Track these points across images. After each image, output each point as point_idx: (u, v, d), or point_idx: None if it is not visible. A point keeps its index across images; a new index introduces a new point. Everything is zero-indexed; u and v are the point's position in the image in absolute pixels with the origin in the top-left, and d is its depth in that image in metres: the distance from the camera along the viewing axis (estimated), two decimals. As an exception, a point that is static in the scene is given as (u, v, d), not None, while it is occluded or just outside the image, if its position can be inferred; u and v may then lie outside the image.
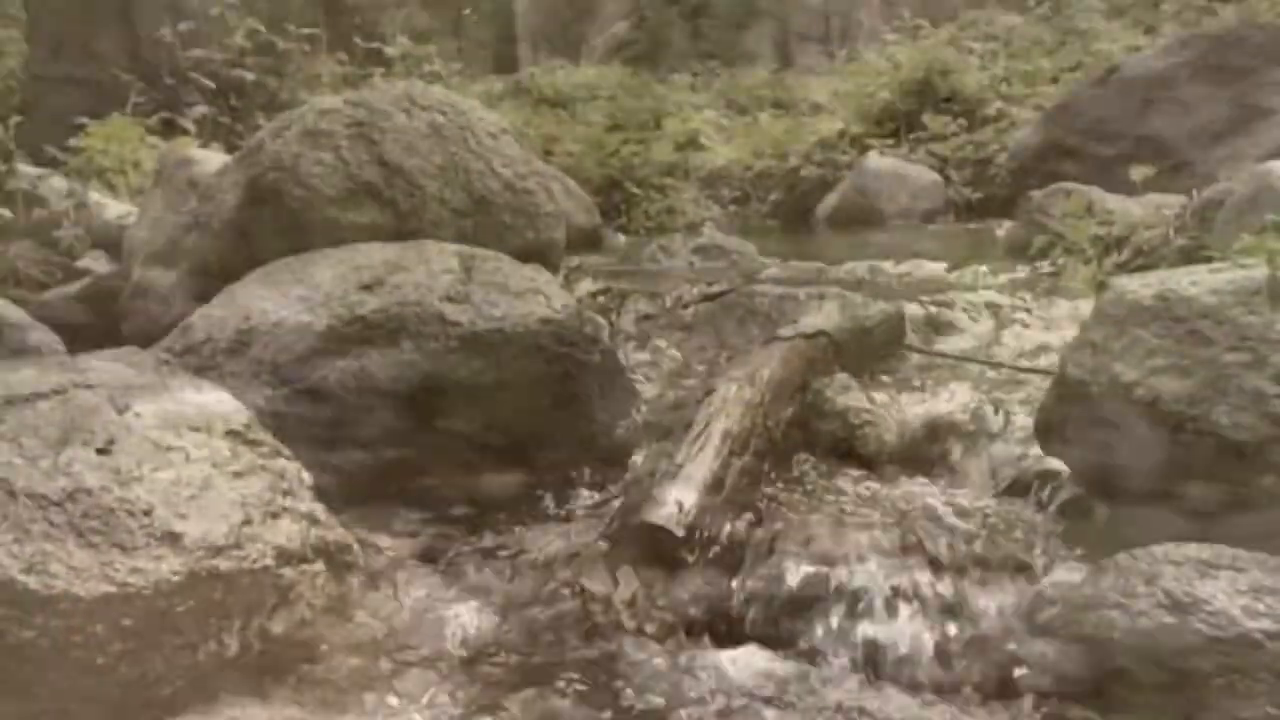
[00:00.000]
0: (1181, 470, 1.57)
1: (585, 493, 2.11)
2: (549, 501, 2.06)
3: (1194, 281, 1.67)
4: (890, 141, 7.38)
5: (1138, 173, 3.87)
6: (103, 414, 1.44)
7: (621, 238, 5.83)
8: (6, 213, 4.49)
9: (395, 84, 3.28)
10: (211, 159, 3.63)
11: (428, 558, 1.79)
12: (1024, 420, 2.08)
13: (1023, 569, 1.58)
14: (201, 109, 7.22)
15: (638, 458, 2.12)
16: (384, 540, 1.89)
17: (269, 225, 2.84)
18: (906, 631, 1.50)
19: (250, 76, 7.90)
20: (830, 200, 6.67)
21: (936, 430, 2.11)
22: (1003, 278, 3.49)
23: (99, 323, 3.79)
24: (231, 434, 1.56)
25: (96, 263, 4.32)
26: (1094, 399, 1.65)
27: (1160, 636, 1.28)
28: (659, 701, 1.39)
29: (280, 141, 2.91)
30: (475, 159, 3.02)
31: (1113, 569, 1.38)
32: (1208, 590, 1.29)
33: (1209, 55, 5.03)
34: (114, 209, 4.62)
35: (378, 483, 2.11)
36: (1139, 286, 1.69)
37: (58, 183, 4.69)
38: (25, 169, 4.79)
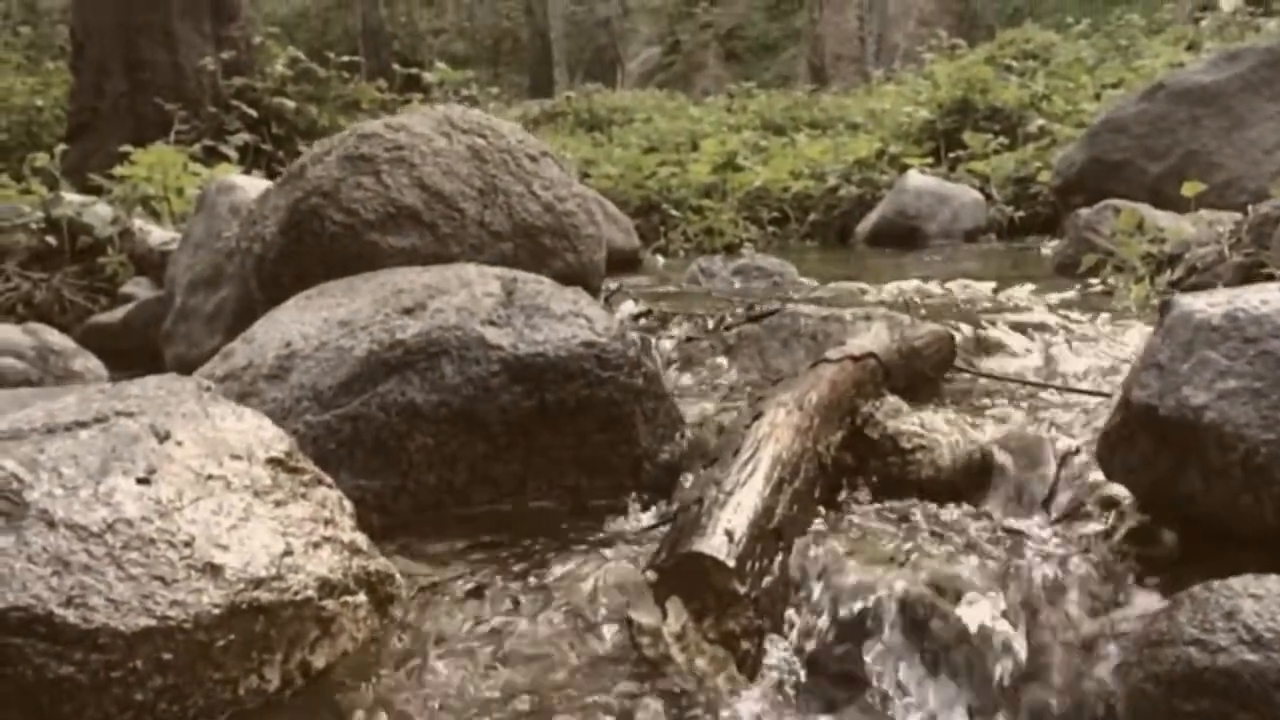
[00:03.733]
0: (1255, 498, 1.50)
1: (631, 519, 2.07)
2: (595, 528, 2.02)
3: (1265, 300, 1.60)
4: (929, 160, 7.33)
5: (1189, 188, 3.79)
6: (144, 442, 1.41)
7: (660, 260, 5.81)
8: (52, 240, 4.55)
9: (435, 108, 3.27)
10: (253, 185, 3.65)
11: (471, 587, 1.75)
12: (1081, 443, 2.02)
13: (1089, 601, 1.52)
14: (243, 136, 7.33)
15: (685, 484, 2.08)
16: (426, 569, 1.86)
17: (310, 250, 2.84)
18: (969, 664, 1.44)
19: (291, 104, 8.01)
20: (870, 220, 6.63)
21: (991, 454, 2.04)
22: (1052, 297, 3.42)
23: (142, 348, 3.83)
24: (273, 461, 1.54)
25: (140, 289, 4.37)
26: (1160, 423, 1.58)
27: (1243, 675, 1.21)
28: (711, 739, 1.34)
29: (321, 167, 2.91)
30: (515, 182, 3.01)
31: (1188, 602, 1.31)
32: (1292, 626, 1.22)
33: (1260, 69, 4.94)
34: (157, 235, 4.67)
35: (420, 509, 2.08)
36: (1206, 305, 1.63)
37: (102, 210, 4.75)
38: (71, 197, 4.86)
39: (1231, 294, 1.66)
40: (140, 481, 1.36)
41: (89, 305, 4.32)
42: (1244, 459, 1.50)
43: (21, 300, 4.33)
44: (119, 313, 4.08)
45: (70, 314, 4.29)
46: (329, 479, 1.62)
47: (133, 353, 3.86)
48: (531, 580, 1.74)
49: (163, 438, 1.44)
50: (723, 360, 2.78)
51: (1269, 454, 1.49)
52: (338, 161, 2.92)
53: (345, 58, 9.25)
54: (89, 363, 3.74)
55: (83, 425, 1.42)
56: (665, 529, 1.78)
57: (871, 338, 2.33)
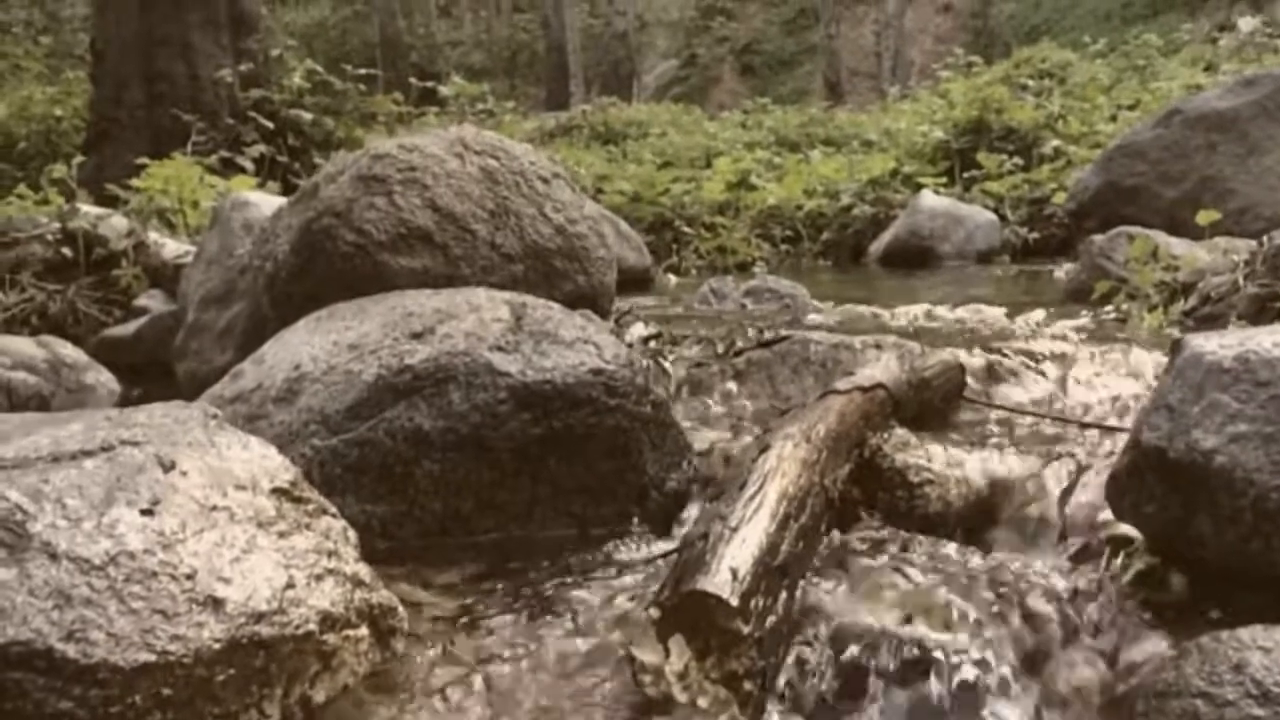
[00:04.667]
0: (1266, 544, 1.48)
1: (636, 548, 2.06)
2: (600, 557, 2.01)
3: (1276, 342, 1.58)
4: (944, 180, 7.32)
5: (1204, 217, 3.77)
6: (149, 472, 1.42)
7: (672, 278, 5.80)
8: (67, 252, 4.57)
9: (449, 128, 3.28)
10: (266, 202, 3.66)
11: (474, 618, 1.75)
12: (1092, 479, 2.00)
13: (1097, 646, 1.50)
14: (260, 148, 7.37)
15: (690, 516, 2.08)
16: (430, 597, 1.85)
17: (321, 270, 2.85)
18: (972, 711, 1.43)
19: (308, 116, 8.06)
20: (883, 240, 6.61)
21: (1000, 489, 2.03)
22: (1065, 324, 3.40)
23: (154, 363, 3.84)
24: (277, 491, 1.54)
25: (154, 302, 4.39)
26: (1170, 466, 1.57)
27: (1250, 730, 1.19)
28: (711, 780, 1.33)
29: (334, 186, 2.92)
30: (527, 204, 3.02)
31: (1196, 653, 1.30)
32: (1301, 680, 1.20)
33: (1276, 95, 4.91)
34: (172, 248, 4.69)
35: (426, 536, 2.08)
36: (1217, 347, 1.61)
37: (118, 222, 4.77)
38: (87, 208, 4.88)
39: (1243, 335, 1.65)
40: (144, 513, 1.36)
41: (103, 318, 4.34)
42: (1254, 504, 1.49)
43: (36, 311, 4.34)
44: (131, 326, 4.10)
45: (84, 326, 4.30)
46: (333, 508, 1.62)
47: (145, 367, 3.88)
48: (535, 613, 1.73)
49: (168, 468, 1.44)
50: (732, 386, 2.77)
51: (1280, 500, 1.47)
52: (350, 181, 2.93)
53: (362, 70, 9.30)
54: (101, 376, 3.75)
55: (88, 454, 1.42)
56: (671, 559, 1.77)
57: (881, 368, 2.31)
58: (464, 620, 1.74)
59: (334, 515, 1.61)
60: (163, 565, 1.31)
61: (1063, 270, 5.11)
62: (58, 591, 1.22)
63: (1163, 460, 1.58)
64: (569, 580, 1.89)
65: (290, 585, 1.40)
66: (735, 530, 1.58)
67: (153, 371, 3.81)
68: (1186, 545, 1.58)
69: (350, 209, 2.86)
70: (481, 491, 2.11)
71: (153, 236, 4.70)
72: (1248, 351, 1.59)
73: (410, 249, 2.87)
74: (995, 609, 1.59)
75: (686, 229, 6.79)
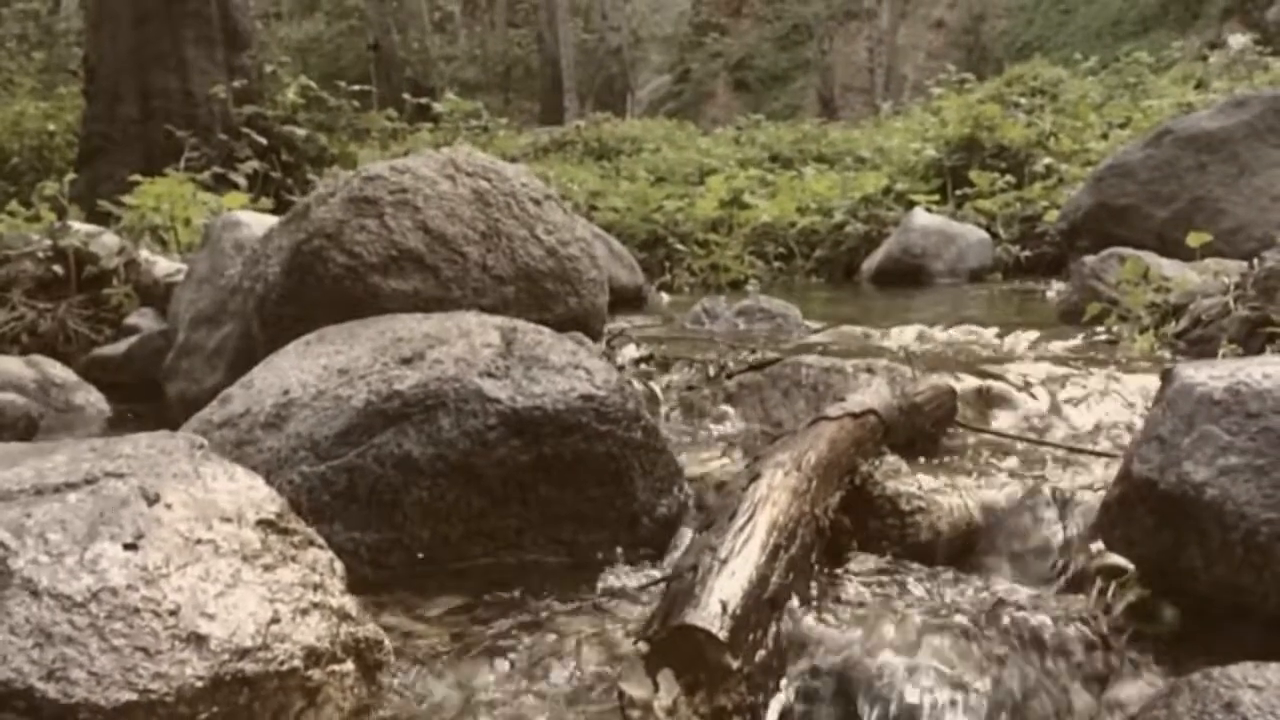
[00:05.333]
0: (1256, 577, 1.48)
1: (627, 576, 2.05)
2: (590, 585, 2.00)
3: (1267, 374, 1.58)
4: (936, 198, 7.33)
5: (1195, 238, 3.78)
6: (132, 505, 1.40)
7: (665, 297, 5.80)
8: (58, 269, 4.56)
9: (443, 145, 3.29)
10: (258, 222, 3.65)
11: (462, 648, 1.73)
12: (1085, 506, 2.00)
13: (1087, 680, 1.50)
14: (253, 164, 7.37)
15: (681, 543, 2.07)
16: (418, 627, 1.84)
17: (312, 292, 2.84)
18: (963, 746, 1.42)
19: (301, 132, 8.06)
20: (875, 257, 6.62)
21: (991, 517, 2.02)
22: (1056, 346, 3.40)
23: (145, 382, 3.82)
24: (263, 523, 1.52)
25: (144, 320, 4.37)
26: (1161, 498, 1.56)
27: (1242, 772, 1.19)
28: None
29: (325, 208, 2.91)
30: (519, 226, 3.02)
31: (1187, 691, 1.29)
32: (1293, 720, 1.20)
33: (1266, 115, 4.94)
34: (163, 266, 4.67)
35: (414, 563, 2.07)
36: (1208, 378, 1.61)
37: (109, 240, 4.75)
38: (78, 226, 4.86)
39: (1234, 366, 1.64)
40: (127, 547, 1.35)
41: (93, 336, 4.32)
42: (1245, 538, 1.48)
43: (26, 330, 4.32)
44: (122, 345, 4.08)
45: (74, 345, 4.28)
46: (320, 539, 1.61)
47: (135, 387, 3.85)
48: (523, 644, 1.72)
49: (152, 500, 1.43)
50: (723, 409, 2.76)
51: (1270, 533, 1.47)
52: (341, 203, 2.92)
53: (357, 85, 9.32)
54: (90, 396, 3.74)
55: (72, 487, 1.41)
56: (661, 587, 1.76)
57: (872, 393, 2.31)
58: (451, 651, 1.72)
59: (321, 546, 1.60)
60: (145, 601, 1.29)
61: (1054, 290, 5.12)
62: (38, 629, 1.21)
63: (1154, 492, 1.57)
64: (558, 609, 1.87)
65: (275, 620, 1.39)
66: (725, 562, 1.57)
67: (143, 391, 3.79)
68: (1178, 577, 1.58)
69: (341, 231, 2.86)
70: (471, 518, 2.09)
71: (144, 254, 4.69)
72: (1239, 383, 1.58)
73: (401, 271, 2.86)
74: (985, 640, 1.58)
75: (679, 246, 6.79)
